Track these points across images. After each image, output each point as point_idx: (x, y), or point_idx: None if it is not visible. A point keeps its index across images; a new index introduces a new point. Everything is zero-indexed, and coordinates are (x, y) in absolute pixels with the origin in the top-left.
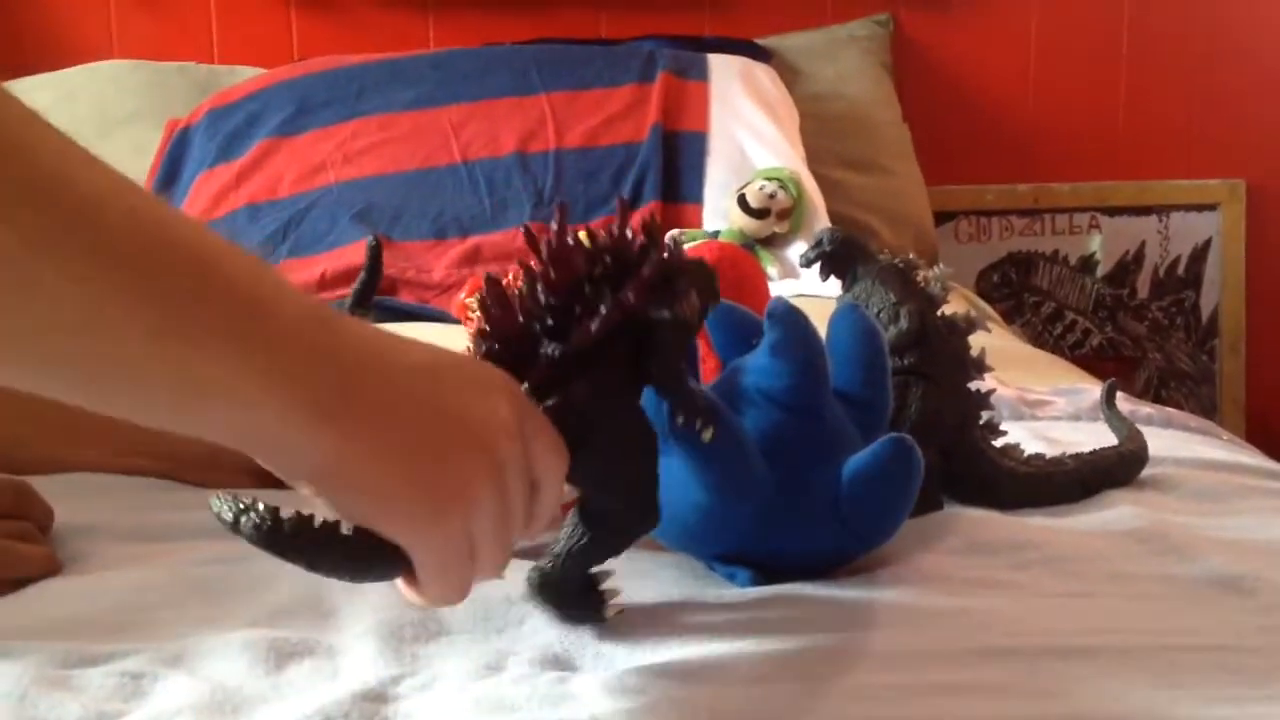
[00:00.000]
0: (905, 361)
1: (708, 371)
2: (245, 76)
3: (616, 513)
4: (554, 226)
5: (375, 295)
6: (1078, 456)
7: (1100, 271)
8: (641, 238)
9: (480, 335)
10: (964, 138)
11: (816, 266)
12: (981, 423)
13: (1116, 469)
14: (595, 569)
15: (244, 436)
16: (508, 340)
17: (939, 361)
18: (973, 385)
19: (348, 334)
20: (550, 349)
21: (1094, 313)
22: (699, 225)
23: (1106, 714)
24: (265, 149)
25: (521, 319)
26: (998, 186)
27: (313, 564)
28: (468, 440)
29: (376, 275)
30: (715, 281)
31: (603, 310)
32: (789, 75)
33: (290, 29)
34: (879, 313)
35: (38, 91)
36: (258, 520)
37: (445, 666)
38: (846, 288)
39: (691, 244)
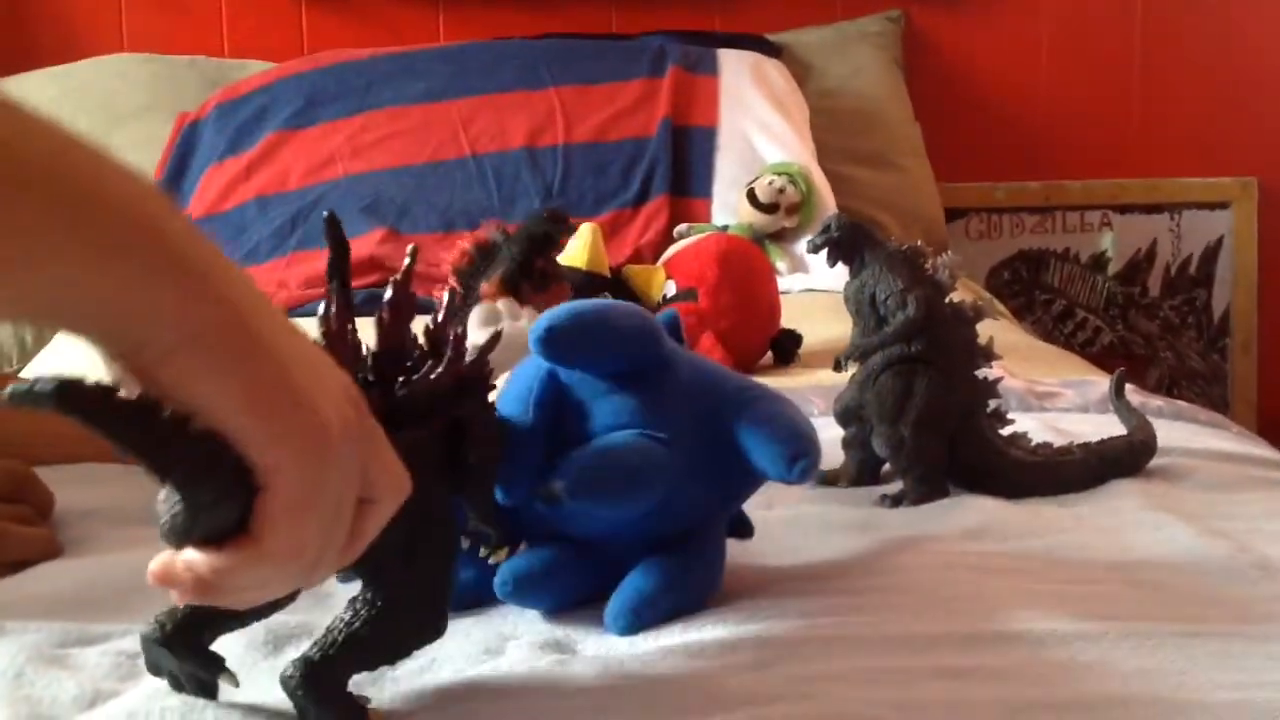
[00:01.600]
0: (913, 348)
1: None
2: (255, 70)
3: (400, 611)
4: (395, 283)
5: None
6: (1086, 446)
7: (1111, 270)
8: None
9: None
10: (975, 134)
11: (824, 253)
12: (989, 411)
13: (1125, 458)
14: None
15: (77, 308)
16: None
17: (946, 349)
18: (980, 373)
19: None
20: (373, 388)
21: (1105, 311)
22: (707, 220)
23: (1111, 698)
24: (274, 142)
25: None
26: (1009, 184)
27: (140, 447)
28: (326, 388)
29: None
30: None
31: (439, 365)
32: (799, 71)
33: (300, 23)
34: (886, 299)
35: (47, 85)
36: (58, 383)
37: (444, 650)
38: (854, 274)
39: (699, 237)
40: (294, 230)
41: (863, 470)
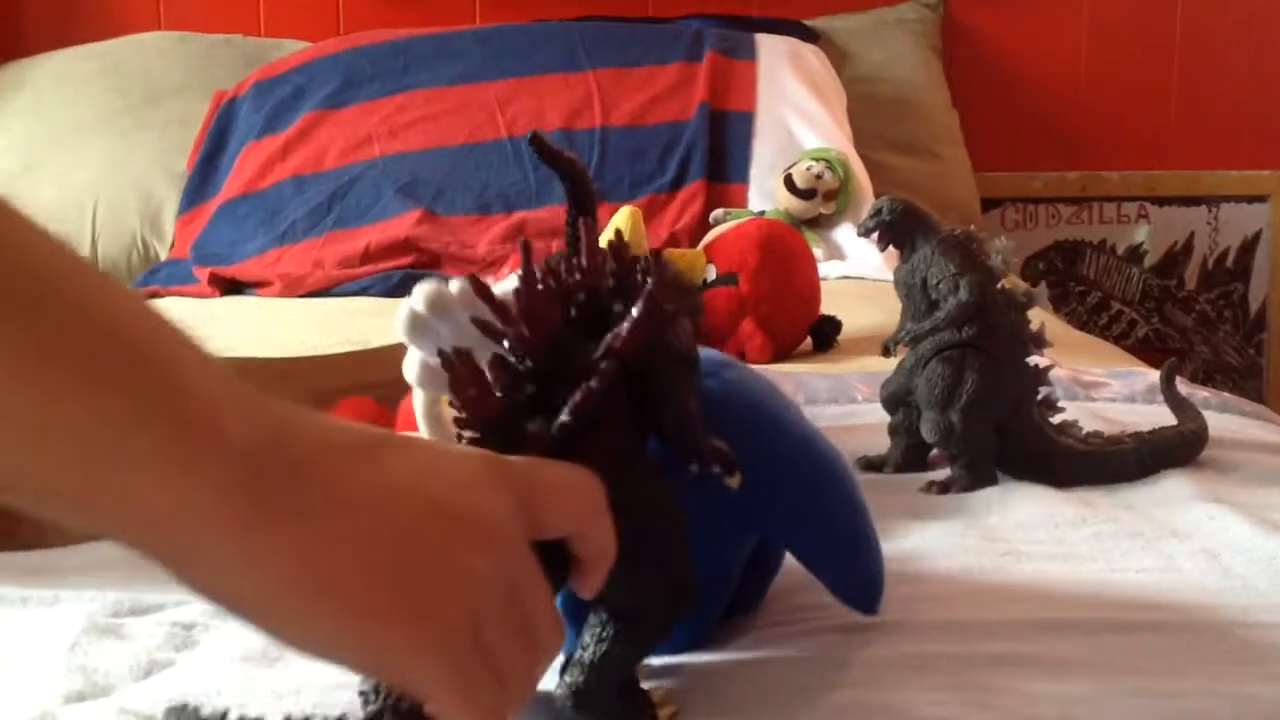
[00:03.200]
0: (963, 334)
1: (755, 349)
2: (292, 49)
3: (642, 603)
4: (517, 275)
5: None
6: (1137, 435)
7: (1148, 262)
8: (612, 264)
9: (457, 424)
10: (1013, 124)
11: (874, 236)
12: (1039, 399)
13: (1176, 449)
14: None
15: (161, 543)
16: (489, 423)
17: (997, 335)
18: (1031, 360)
19: (300, 425)
20: (538, 425)
21: (1140, 303)
22: (744, 205)
23: (1172, 689)
24: (311, 121)
25: (500, 395)
26: (1046, 174)
27: None
28: (467, 536)
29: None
30: (693, 291)
31: (596, 369)
32: (837, 57)
33: (337, 3)
34: (938, 283)
35: (85, 62)
36: None
37: None
38: (905, 258)
39: (738, 222)
40: (330, 210)
41: (910, 456)
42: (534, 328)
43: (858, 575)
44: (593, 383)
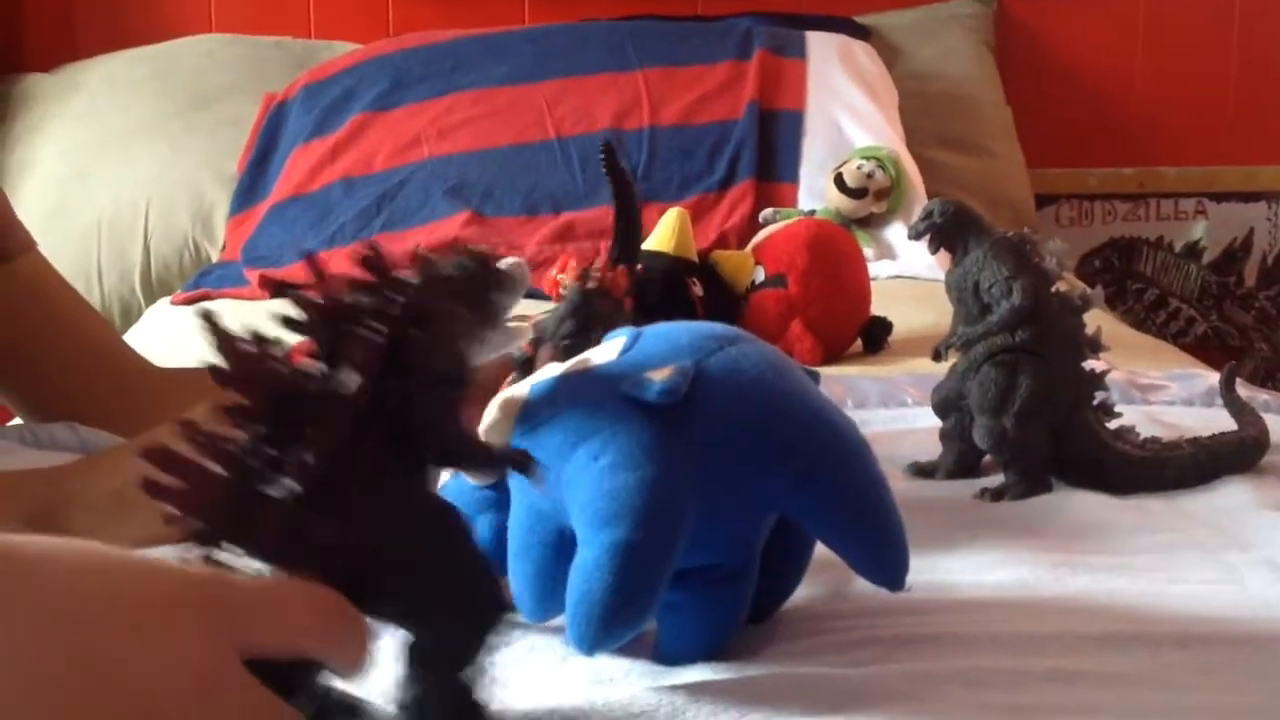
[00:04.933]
0: (1017, 338)
1: (804, 351)
2: (341, 51)
3: (444, 636)
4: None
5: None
6: (1195, 441)
7: (1206, 258)
8: (359, 286)
9: (170, 520)
10: (1067, 119)
11: (926, 239)
12: (1095, 403)
13: (1236, 455)
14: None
15: None
16: (211, 511)
17: (1052, 339)
18: (1087, 365)
19: None
20: (278, 490)
21: (1199, 301)
22: (794, 204)
23: (1233, 706)
24: (360, 123)
25: (224, 472)
26: (1101, 170)
27: None
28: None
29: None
30: (488, 278)
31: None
32: (888, 54)
33: (386, 4)
34: (990, 287)
35: (136, 64)
36: None
37: (542, 639)
38: (957, 261)
39: (788, 222)
40: (379, 212)
41: (962, 463)
42: (248, 392)
43: (885, 550)
44: (309, 457)
